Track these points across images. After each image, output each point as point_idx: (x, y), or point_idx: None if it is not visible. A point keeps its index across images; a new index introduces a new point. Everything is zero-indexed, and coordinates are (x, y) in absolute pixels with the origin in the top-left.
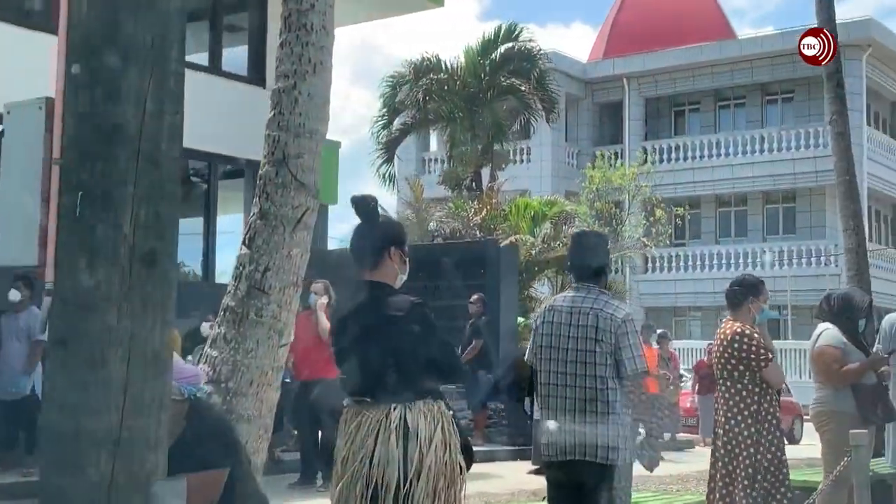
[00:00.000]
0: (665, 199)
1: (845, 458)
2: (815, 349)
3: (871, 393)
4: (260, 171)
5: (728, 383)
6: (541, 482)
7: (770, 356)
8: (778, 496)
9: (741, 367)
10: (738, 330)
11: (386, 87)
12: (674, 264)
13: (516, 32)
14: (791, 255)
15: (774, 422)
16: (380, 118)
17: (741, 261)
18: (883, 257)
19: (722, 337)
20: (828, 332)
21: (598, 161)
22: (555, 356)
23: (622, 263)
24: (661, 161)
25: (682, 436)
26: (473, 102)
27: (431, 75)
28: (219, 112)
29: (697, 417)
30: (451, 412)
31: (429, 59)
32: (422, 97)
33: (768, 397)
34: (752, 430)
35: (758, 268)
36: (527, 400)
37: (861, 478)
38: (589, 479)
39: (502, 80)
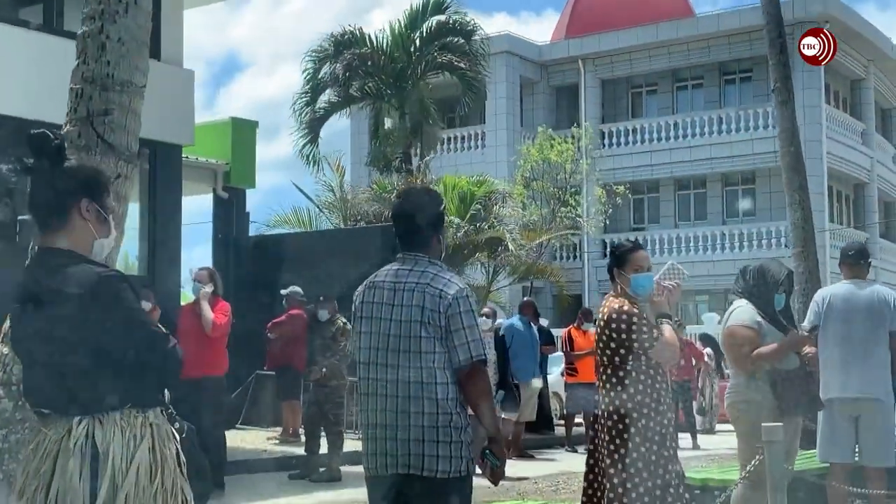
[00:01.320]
0: (623, 182)
1: (757, 456)
2: (725, 329)
3: (792, 379)
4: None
5: (609, 371)
6: None
7: (656, 334)
8: (669, 499)
9: (622, 352)
10: (616, 307)
11: (308, 63)
12: None
13: (445, 4)
14: (751, 237)
15: (665, 413)
16: (302, 95)
17: (700, 245)
18: (843, 238)
19: (599, 318)
20: (740, 310)
21: (538, 138)
22: (374, 344)
23: (579, 249)
24: (619, 144)
25: None
26: (402, 79)
27: (354, 50)
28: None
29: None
30: (178, 425)
31: (351, 32)
32: (342, 72)
33: (657, 385)
34: (640, 423)
35: (717, 251)
36: None
37: (775, 478)
38: (417, 499)
39: (433, 55)
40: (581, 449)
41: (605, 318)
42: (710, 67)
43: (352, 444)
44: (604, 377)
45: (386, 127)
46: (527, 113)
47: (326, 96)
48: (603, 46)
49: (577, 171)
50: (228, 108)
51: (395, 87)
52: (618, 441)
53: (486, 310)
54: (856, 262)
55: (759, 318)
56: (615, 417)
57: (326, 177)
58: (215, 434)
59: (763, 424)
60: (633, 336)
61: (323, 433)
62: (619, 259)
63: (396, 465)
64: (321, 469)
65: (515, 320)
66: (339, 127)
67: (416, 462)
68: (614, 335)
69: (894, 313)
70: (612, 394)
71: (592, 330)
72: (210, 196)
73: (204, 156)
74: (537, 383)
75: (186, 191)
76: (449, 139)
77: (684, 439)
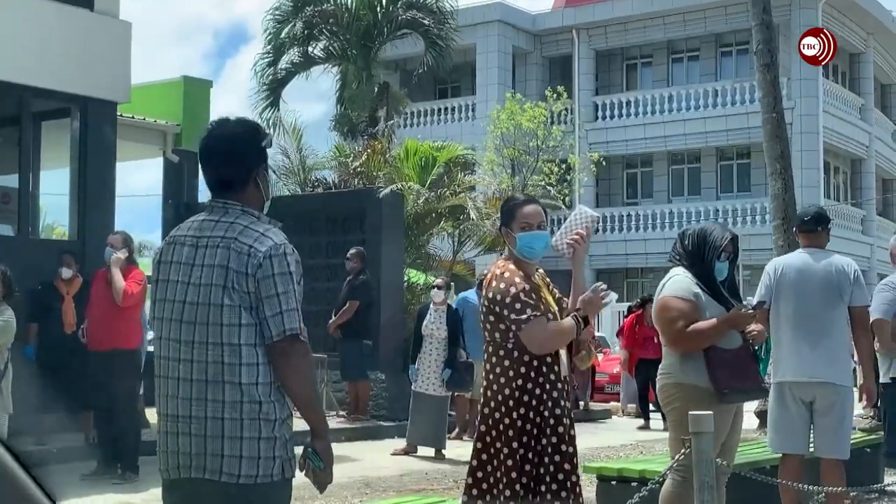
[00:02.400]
0: (616, 156)
1: (683, 448)
2: (657, 301)
3: (731, 361)
4: None
5: (489, 349)
6: (403, 465)
7: (534, 313)
8: (549, 496)
9: (501, 327)
10: (497, 273)
11: (269, 22)
12: (625, 224)
13: None
14: (745, 213)
15: (547, 401)
16: (263, 56)
17: (694, 220)
18: (840, 215)
19: (485, 285)
20: (676, 279)
21: (508, 103)
22: (168, 314)
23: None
24: (613, 117)
25: (597, 405)
26: (368, 38)
27: (315, 7)
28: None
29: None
30: None
31: None
32: (302, 30)
33: (543, 369)
34: (516, 413)
35: None
36: (411, 367)
37: (702, 474)
38: None
39: (400, 13)
40: None
41: (486, 285)
42: (706, 39)
43: None
44: (485, 356)
45: (353, 88)
46: (519, 84)
47: (290, 57)
48: (597, 16)
49: (550, 137)
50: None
51: (360, 46)
52: (488, 433)
53: (438, 281)
54: (812, 228)
55: (697, 290)
56: (491, 405)
57: (286, 141)
58: (127, 413)
59: (690, 413)
60: (506, 311)
61: None
62: (506, 215)
63: (190, 467)
64: None
65: (471, 293)
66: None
67: (212, 464)
68: (492, 307)
69: (854, 287)
70: (490, 377)
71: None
72: (160, 160)
73: (154, 117)
74: None
75: (134, 154)
76: (439, 110)
77: (656, 419)
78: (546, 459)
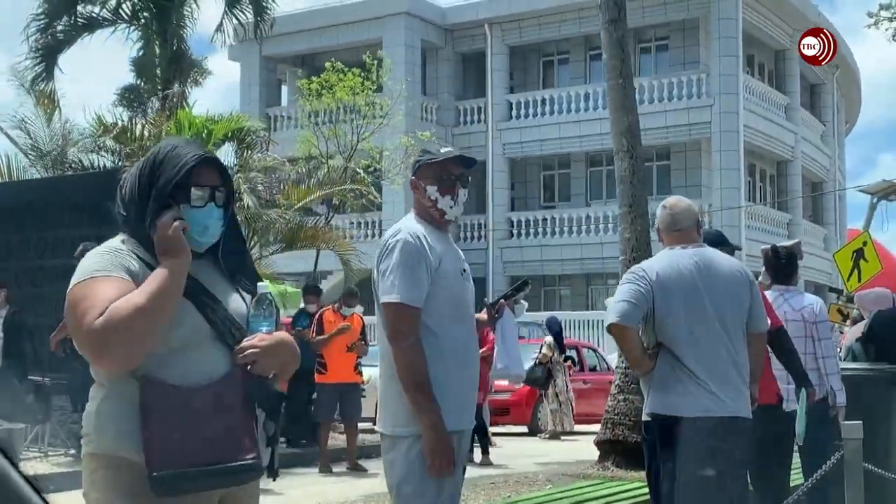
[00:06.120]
0: (533, 157)
1: None
2: None
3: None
4: None
5: None
6: None
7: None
8: None
9: None
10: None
11: None
12: (540, 229)
13: None
14: None
15: None
16: (37, 17)
17: (612, 224)
18: (763, 219)
19: None
20: None
21: (327, 73)
22: None
23: (484, 228)
24: (527, 116)
25: None
26: None
27: None
28: None
29: None
30: None
31: None
32: None
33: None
34: None
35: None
36: None
37: None
38: None
39: None
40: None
41: None
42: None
43: None
44: None
45: (142, 55)
46: (430, 81)
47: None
48: (511, 10)
49: (379, 114)
50: None
51: (156, 6)
52: None
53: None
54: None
55: None
56: None
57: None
58: None
59: None
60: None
61: None
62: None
63: None
64: None
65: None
66: None
67: None
68: None
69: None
70: None
71: (357, 313)
72: None
73: None
74: None
75: None
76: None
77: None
78: None
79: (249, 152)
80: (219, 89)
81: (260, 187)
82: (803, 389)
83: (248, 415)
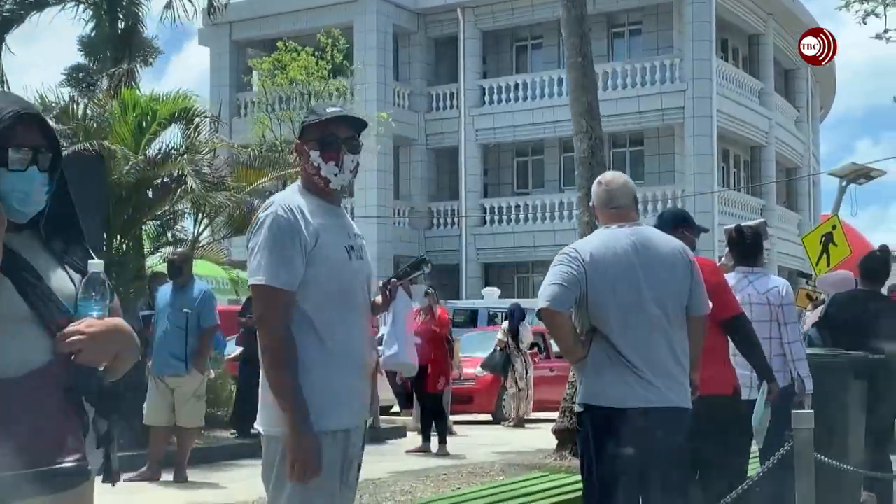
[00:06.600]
0: (506, 143)
1: None
2: None
3: None
4: None
5: None
6: None
7: None
8: None
9: None
10: None
11: None
12: (514, 215)
13: None
14: (641, 203)
15: None
16: None
17: None
18: (736, 204)
19: None
20: None
21: (279, 52)
22: None
23: (457, 214)
24: (500, 101)
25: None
26: None
27: None
28: None
29: None
30: None
31: None
32: None
33: None
34: None
35: None
36: None
37: None
38: None
39: None
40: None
41: None
42: (597, 19)
43: None
44: None
45: (90, 33)
46: (402, 66)
47: None
48: None
49: (335, 93)
50: None
51: None
52: None
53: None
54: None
55: None
56: None
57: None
58: None
59: None
60: None
61: None
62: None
63: None
64: None
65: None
66: None
67: None
68: None
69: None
70: None
71: None
72: None
73: None
74: None
75: None
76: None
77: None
78: None
79: (196, 134)
80: (191, 76)
81: (206, 169)
82: (765, 383)
83: (72, 411)
